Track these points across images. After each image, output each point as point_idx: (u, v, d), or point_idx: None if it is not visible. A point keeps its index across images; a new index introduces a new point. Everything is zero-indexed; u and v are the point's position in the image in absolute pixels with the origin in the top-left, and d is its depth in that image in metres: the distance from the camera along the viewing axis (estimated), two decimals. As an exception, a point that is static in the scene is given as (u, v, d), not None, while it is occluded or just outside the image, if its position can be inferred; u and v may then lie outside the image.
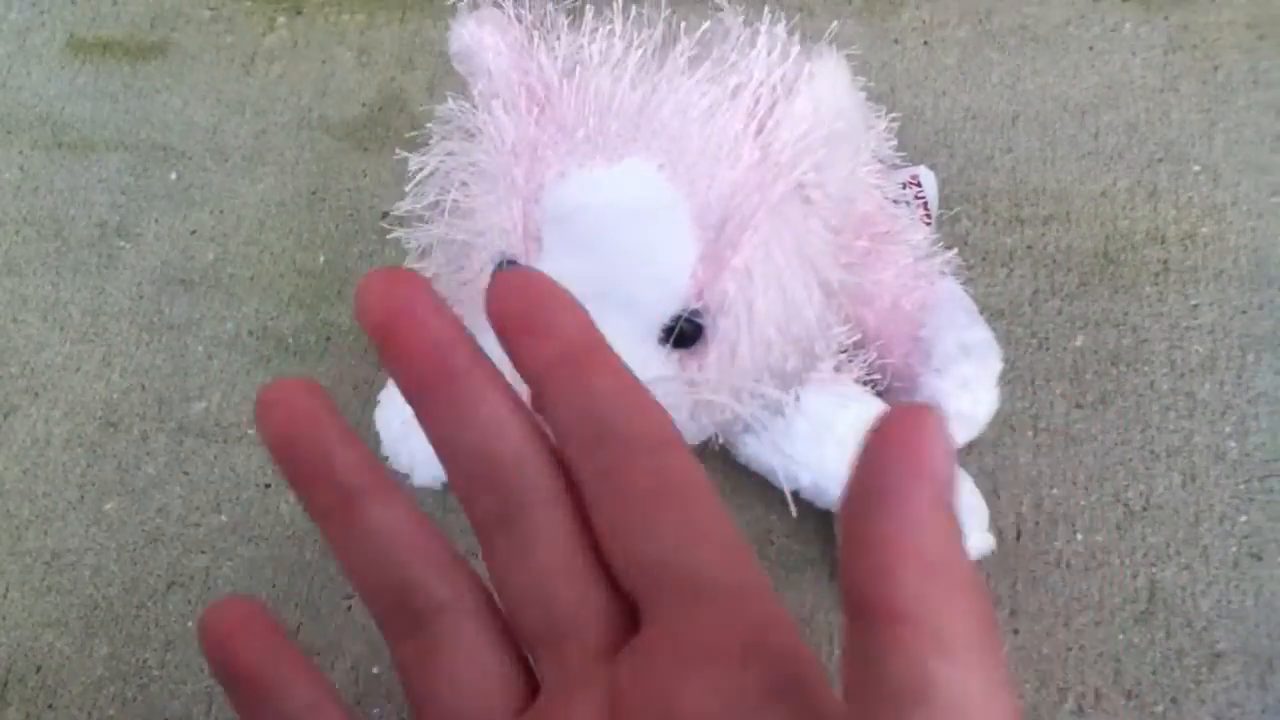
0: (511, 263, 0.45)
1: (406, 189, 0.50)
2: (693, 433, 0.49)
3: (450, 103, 0.49)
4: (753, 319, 0.44)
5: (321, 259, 0.89)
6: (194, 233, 0.92)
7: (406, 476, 0.74)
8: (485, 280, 0.46)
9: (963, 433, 0.68)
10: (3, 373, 0.88)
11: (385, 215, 0.89)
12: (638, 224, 0.43)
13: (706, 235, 0.43)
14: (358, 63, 0.97)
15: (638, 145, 0.43)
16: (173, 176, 0.95)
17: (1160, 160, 0.80)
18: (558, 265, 0.44)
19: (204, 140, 0.96)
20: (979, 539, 0.64)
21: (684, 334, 0.44)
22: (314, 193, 0.92)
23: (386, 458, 0.74)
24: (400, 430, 0.72)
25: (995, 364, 0.67)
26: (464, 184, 0.48)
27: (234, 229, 0.91)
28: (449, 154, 0.49)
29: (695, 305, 0.44)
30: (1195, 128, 0.81)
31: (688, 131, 0.43)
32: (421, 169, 0.50)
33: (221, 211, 0.92)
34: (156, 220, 0.93)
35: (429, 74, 0.95)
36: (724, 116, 0.43)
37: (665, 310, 0.44)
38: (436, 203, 0.49)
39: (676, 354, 0.45)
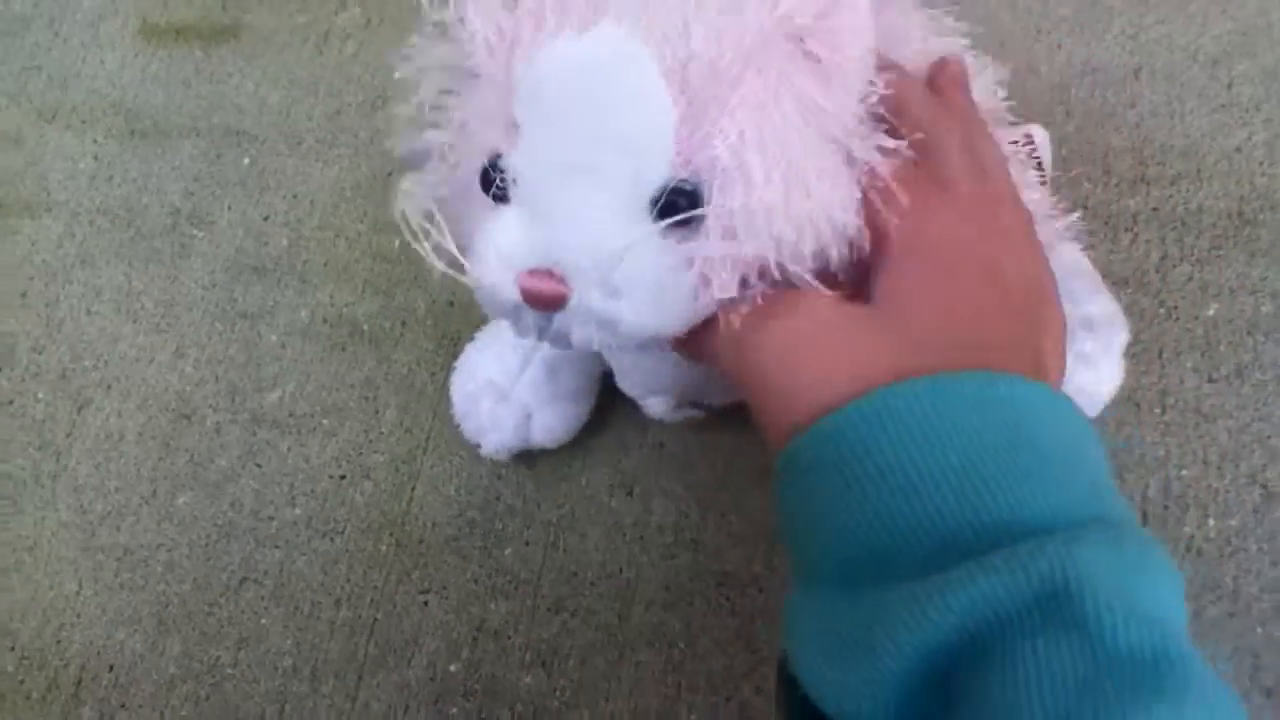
0: (498, 156, 0.44)
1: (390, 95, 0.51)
2: (698, 309, 0.46)
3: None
4: (750, 186, 0.41)
5: (397, 243, 0.90)
6: (267, 218, 0.94)
7: (477, 446, 0.75)
8: (476, 182, 0.46)
9: (1084, 409, 0.66)
10: (77, 366, 0.91)
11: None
12: (607, 88, 0.42)
13: (686, 94, 0.41)
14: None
15: (609, 9, 0.42)
16: (245, 161, 0.97)
17: (1302, 111, 0.77)
18: (533, 149, 0.43)
19: (277, 123, 0.98)
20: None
21: (675, 205, 0.42)
22: (389, 175, 0.93)
23: (459, 424, 0.75)
24: (472, 394, 0.73)
25: (1121, 336, 0.65)
26: (446, 92, 0.48)
27: (308, 214, 0.93)
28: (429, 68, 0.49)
29: (683, 174, 0.42)
30: (1342, 74, 0.78)
31: None
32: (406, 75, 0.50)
33: (295, 196, 0.94)
34: (229, 207, 0.95)
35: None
36: None
37: (651, 179, 0.42)
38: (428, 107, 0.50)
39: (674, 234, 0.42)
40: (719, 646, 0.71)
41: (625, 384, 0.65)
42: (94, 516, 0.85)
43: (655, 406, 0.67)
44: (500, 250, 0.43)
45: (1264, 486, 0.68)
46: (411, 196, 0.48)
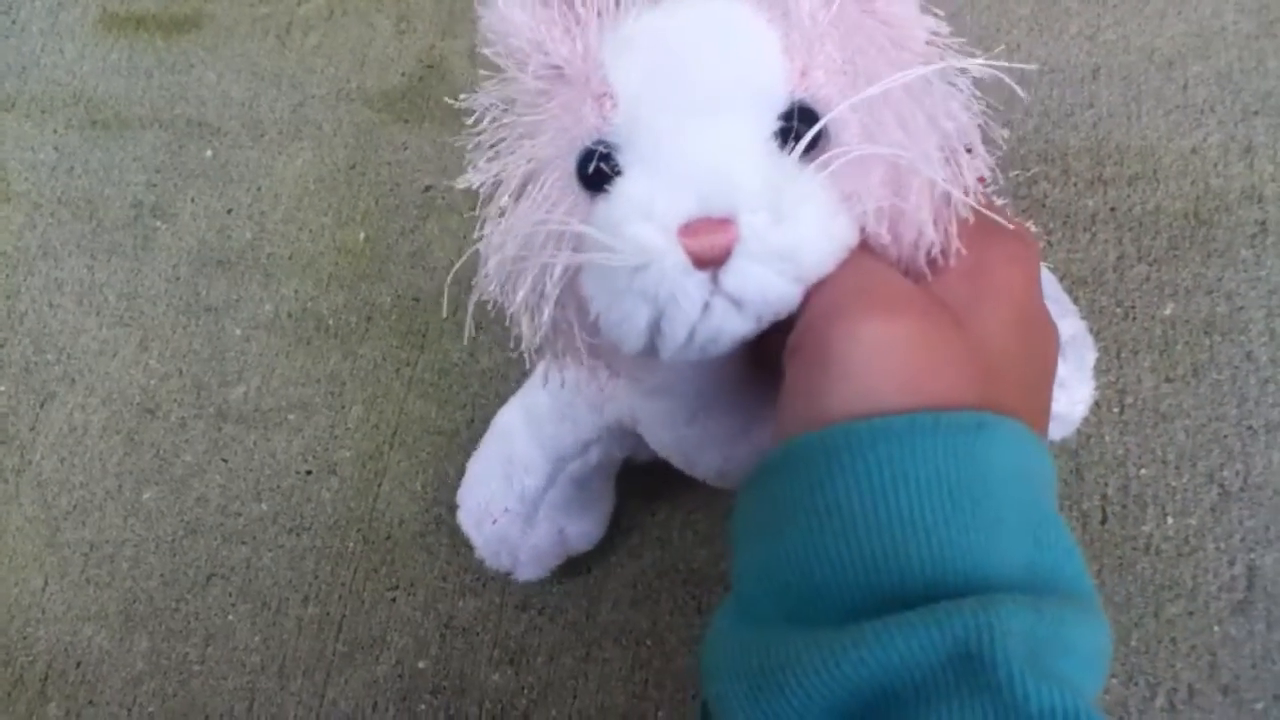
0: (601, 143, 0.39)
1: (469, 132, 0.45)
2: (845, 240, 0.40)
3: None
4: (859, 92, 0.39)
5: (362, 236, 0.87)
6: (230, 211, 0.91)
7: (509, 574, 0.69)
8: (570, 192, 0.41)
9: (1057, 432, 0.64)
10: (39, 359, 0.88)
11: (427, 189, 0.87)
12: (705, 25, 0.39)
13: (776, 19, 0.39)
14: (396, 31, 0.95)
15: None
16: (208, 153, 0.93)
17: (1256, 113, 0.76)
18: (638, 105, 0.39)
19: (239, 115, 0.95)
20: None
21: (798, 132, 0.38)
22: (353, 167, 0.90)
23: (483, 561, 0.68)
24: (496, 532, 0.66)
25: (1090, 357, 0.63)
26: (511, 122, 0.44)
27: (271, 207, 0.90)
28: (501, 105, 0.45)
29: (801, 94, 0.39)
30: (1294, 77, 0.77)
31: None
32: (475, 111, 0.45)
33: (259, 189, 0.91)
34: (193, 199, 0.92)
35: (470, 41, 0.93)
36: None
37: (774, 100, 0.38)
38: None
39: (809, 156, 0.38)
40: (685, 644, 0.69)
41: (705, 459, 0.52)
42: (59, 512, 0.82)
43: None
44: (647, 211, 0.36)
45: (1221, 485, 0.67)
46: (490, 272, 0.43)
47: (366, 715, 0.71)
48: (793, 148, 0.37)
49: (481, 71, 0.44)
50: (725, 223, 0.36)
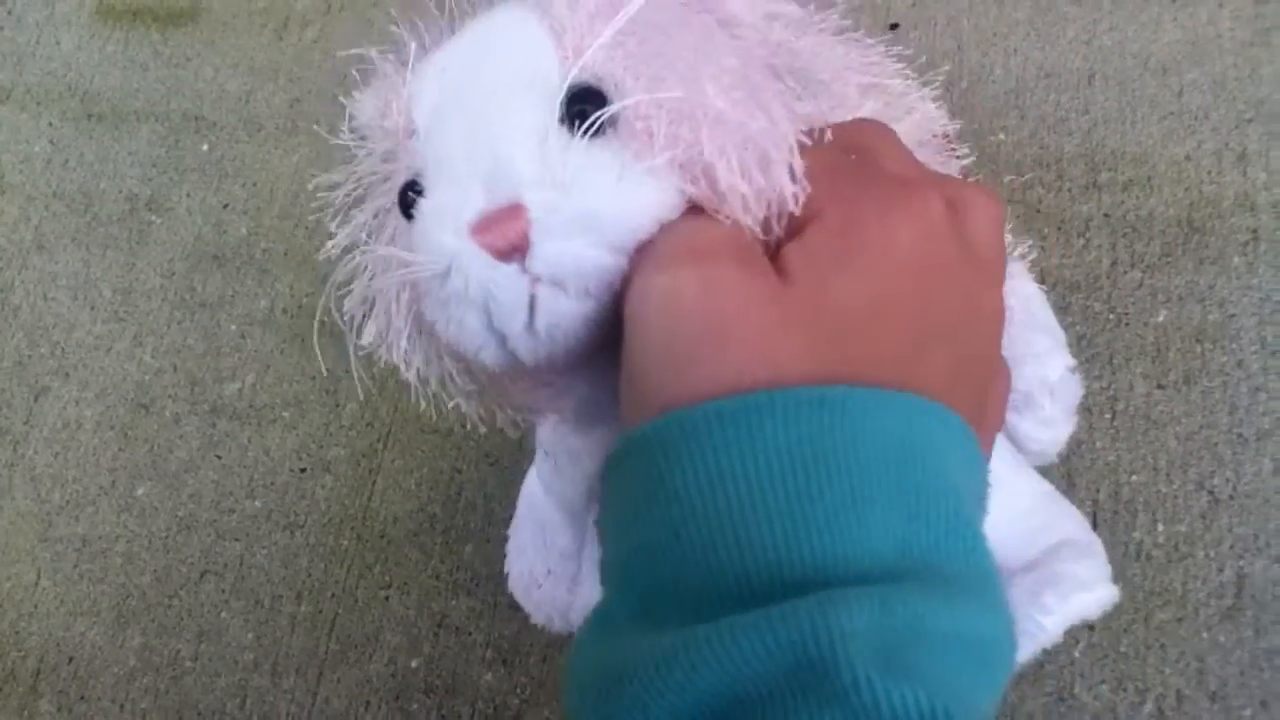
0: (414, 174, 0.39)
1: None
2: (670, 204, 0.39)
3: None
4: (645, 81, 0.37)
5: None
6: (226, 206, 0.90)
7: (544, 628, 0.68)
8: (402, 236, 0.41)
9: (1033, 462, 0.62)
10: (33, 353, 0.87)
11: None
12: (482, 40, 0.40)
13: (545, 11, 0.39)
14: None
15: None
16: (204, 148, 0.93)
17: (1250, 120, 0.75)
18: (430, 126, 0.39)
19: (236, 109, 0.94)
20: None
21: (586, 113, 0.37)
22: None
23: (541, 626, 0.68)
24: (546, 596, 0.63)
25: (1077, 393, 0.61)
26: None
27: (267, 202, 0.89)
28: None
29: (581, 77, 0.38)
30: (1288, 84, 0.76)
31: None
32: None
33: (254, 184, 0.90)
34: (188, 194, 0.91)
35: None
36: None
37: (549, 85, 0.38)
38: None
39: (599, 142, 0.37)
40: (678, 646, 0.69)
41: None
42: (52, 506, 0.81)
43: None
44: (440, 218, 0.36)
45: (1211, 492, 0.66)
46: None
47: (359, 714, 0.71)
48: (580, 126, 0.37)
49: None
50: (514, 208, 0.35)
